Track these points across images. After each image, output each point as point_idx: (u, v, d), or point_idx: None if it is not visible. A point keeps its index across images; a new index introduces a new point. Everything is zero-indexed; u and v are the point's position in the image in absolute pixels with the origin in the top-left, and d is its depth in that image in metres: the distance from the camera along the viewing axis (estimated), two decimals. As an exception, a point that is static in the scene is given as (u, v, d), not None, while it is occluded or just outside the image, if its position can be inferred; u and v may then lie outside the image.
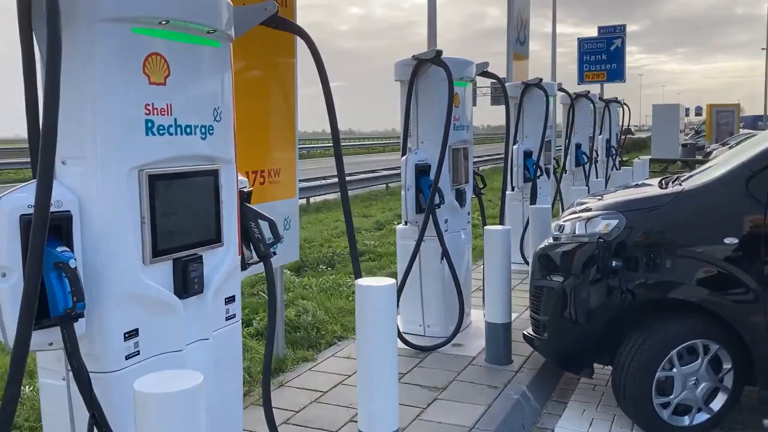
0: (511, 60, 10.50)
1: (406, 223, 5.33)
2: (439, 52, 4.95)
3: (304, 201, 15.25)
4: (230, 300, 2.84)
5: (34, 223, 1.93)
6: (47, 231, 1.93)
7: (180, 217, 2.52)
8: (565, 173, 10.33)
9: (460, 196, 5.58)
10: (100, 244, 2.26)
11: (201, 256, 2.61)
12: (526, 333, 4.61)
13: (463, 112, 5.53)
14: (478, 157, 27.47)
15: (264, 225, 3.01)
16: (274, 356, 4.76)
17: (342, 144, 3.34)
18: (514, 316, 5.21)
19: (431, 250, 5.28)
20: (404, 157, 5.19)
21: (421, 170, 5.15)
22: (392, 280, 2.95)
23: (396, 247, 5.57)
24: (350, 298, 6.40)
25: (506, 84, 6.86)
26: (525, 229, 7.82)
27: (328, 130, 3.22)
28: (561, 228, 4.42)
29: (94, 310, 2.26)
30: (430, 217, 5.06)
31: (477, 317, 5.97)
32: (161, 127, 2.39)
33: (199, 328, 2.64)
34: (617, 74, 18.70)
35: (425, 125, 5.28)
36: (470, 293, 5.99)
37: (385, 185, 19.62)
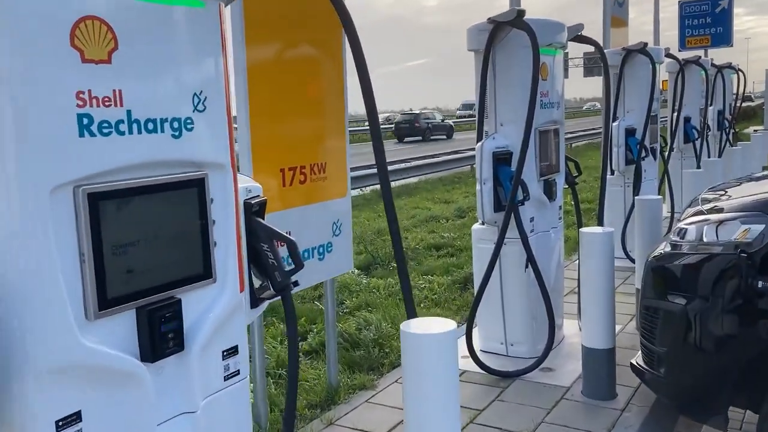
0: (608, 26, 9.23)
1: (482, 223, 4.45)
2: (521, 12, 4.00)
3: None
4: (231, 353, 2.10)
5: None
6: None
7: (144, 248, 1.80)
8: (672, 151, 9.09)
9: (549, 189, 4.62)
10: (14, 296, 1.56)
11: (179, 300, 1.88)
12: (634, 363, 3.65)
13: (552, 86, 4.56)
14: (569, 132, 25.83)
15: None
16: (326, 384, 4.06)
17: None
18: (617, 328, 4.27)
19: (514, 255, 4.38)
20: (479, 144, 4.30)
21: (501, 159, 4.25)
22: (452, 324, 2.13)
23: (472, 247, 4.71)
24: (422, 305, 5.61)
25: (605, 51, 5.79)
26: (627, 219, 6.76)
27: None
28: (682, 232, 3.42)
29: (10, 390, 1.58)
30: (512, 215, 4.16)
31: (571, 330, 5.03)
32: (105, 124, 1.66)
33: (181, 399, 1.92)
34: (723, 38, 16.91)
35: (505, 104, 4.36)
36: (562, 300, 5.05)
37: (469, 166, 18.59)
